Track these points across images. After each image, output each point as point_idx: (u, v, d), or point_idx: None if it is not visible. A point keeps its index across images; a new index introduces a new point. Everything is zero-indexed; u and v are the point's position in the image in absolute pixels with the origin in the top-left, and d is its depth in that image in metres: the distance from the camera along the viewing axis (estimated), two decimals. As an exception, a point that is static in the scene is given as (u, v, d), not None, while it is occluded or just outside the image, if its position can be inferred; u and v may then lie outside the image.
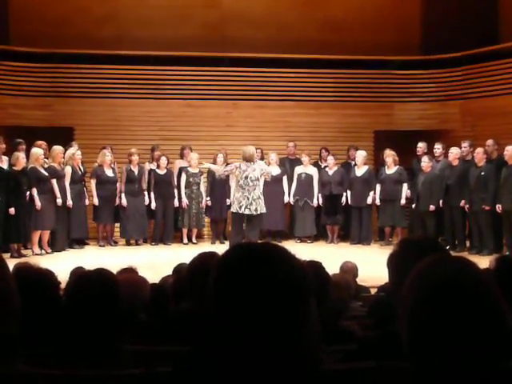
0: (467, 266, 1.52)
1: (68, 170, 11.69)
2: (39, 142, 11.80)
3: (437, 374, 1.44)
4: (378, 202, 12.51)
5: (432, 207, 11.70)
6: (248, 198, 9.84)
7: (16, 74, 13.38)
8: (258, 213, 9.99)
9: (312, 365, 1.45)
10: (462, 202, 11.36)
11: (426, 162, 11.96)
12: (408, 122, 14.19)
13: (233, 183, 11.17)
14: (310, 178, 12.87)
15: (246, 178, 9.86)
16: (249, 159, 10.00)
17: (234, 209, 9.99)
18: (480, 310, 1.43)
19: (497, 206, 10.80)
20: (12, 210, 10.50)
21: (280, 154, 13.15)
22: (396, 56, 14.17)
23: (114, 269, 3.36)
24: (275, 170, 12.81)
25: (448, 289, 1.45)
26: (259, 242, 1.58)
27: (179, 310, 3.47)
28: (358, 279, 6.50)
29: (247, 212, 9.85)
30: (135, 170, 12.45)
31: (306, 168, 12.94)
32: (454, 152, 11.73)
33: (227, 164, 12.62)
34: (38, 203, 10.83)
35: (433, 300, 1.45)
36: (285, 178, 12.89)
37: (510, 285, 2.14)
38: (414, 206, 12.14)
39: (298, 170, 12.96)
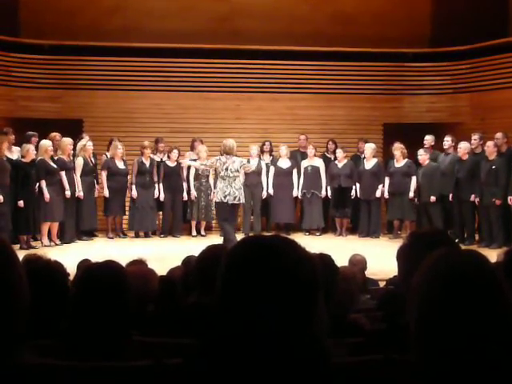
0: (477, 259, 1.51)
1: (80, 162, 11.69)
2: (53, 134, 11.81)
3: (445, 368, 1.43)
4: (386, 195, 12.47)
5: (433, 198, 11.68)
6: (230, 187, 10.07)
7: (25, 66, 13.41)
8: (240, 202, 10.40)
9: (320, 358, 1.45)
10: (472, 197, 11.32)
11: (422, 155, 12.01)
12: (417, 114, 14.15)
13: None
14: (316, 170, 12.83)
15: (227, 169, 10.14)
16: (228, 152, 10.23)
17: (218, 198, 10.25)
18: (489, 304, 1.42)
19: (508, 197, 10.75)
20: (21, 203, 10.54)
21: (290, 147, 13.11)
22: (406, 49, 14.12)
23: (123, 261, 3.36)
24: (285, 163, 12.80)
25: (457, 282, 1.44)
26: (269, 234, 1.58)
27: (188, 302, 3.47)
28: (366, 272, 6.50)
29: (231, 201, 10.12)
30: (146, 163, 12.46)
31: (312, 160, 12.91)
32: (463, 147, 11.65)
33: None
34: (46, 195, 10.84)
35: (442, 293, 1.44)
36: (295, 171, 12.86)
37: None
38: (416, 199, 12.12)
39: (304, 163, 12.93)
